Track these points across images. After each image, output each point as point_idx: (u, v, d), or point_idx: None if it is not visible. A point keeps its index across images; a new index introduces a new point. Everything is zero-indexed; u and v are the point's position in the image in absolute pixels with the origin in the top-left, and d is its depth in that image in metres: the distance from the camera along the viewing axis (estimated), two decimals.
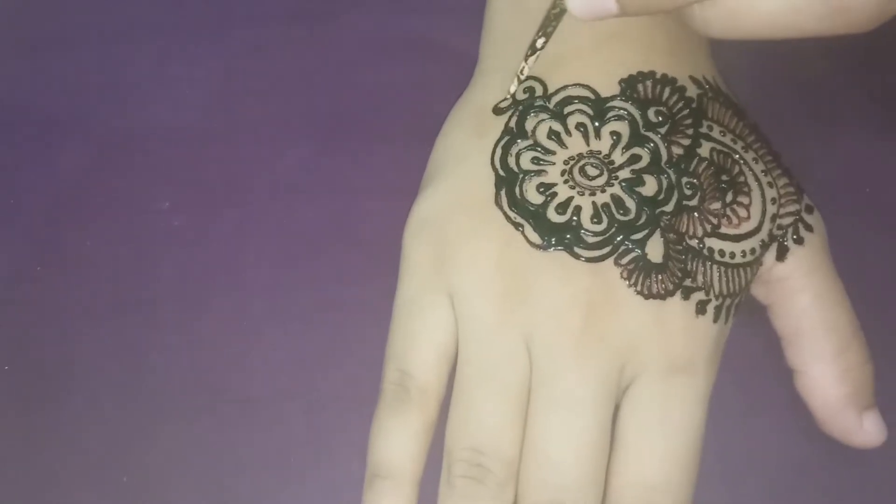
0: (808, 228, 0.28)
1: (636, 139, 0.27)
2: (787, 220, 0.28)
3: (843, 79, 0.33)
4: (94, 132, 0.33)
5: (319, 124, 0.33)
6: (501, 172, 0.27)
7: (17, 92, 0.34)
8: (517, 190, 0.27)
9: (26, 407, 0.30)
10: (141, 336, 0.30)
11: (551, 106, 0.27)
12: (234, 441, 0.29)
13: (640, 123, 0.27)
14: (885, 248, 0.31)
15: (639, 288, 0.26)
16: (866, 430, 0.27)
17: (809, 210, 0.28)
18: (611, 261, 0.26)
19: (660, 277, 0.26)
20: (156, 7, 0.35)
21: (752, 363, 0.29)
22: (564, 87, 0.28)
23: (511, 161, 0.27)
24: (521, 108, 0.28)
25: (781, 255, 0.27)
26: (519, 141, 0.27)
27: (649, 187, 0.26)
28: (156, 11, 0.35)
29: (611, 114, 0.27)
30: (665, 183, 0.26)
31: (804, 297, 0.28)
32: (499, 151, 0.27)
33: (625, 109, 0.27)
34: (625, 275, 0.26)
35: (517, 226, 0.26)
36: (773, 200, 0.27)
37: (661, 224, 0.26)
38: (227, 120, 0.33)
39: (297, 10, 0.35)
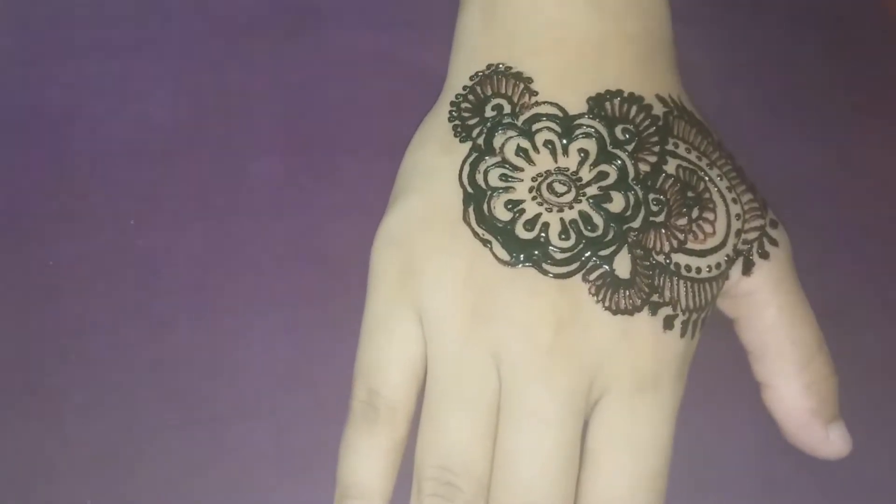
0: (773, 243, 0.28)
1: (603, 156, 0.27)
2: (752, 235, 0.28)
3: (806, 91, 0.34)
4: (56, 149, 0.33)
5: (286, 140, 0.33)
6: (469, 189, 0.27)
7: None
8: (485, 206, 0.27)
9: None
10: (105, 356, 0.30)
11: (519, 123, 0.28)
12: (201, 461, 0.29)
13: (608, 141, 0.27)
14: (845, 260, 0.31)
15: (607, 303, 0.26)
16: (832, 442, 0.28)
17: (774, 225, 0.28)
18: (578, 277, 0.26)
19: (627, 293, 0.26)
20: (120, 22, 0.35)
21: (719, 376, 0.29)
22: (533, 105, 0.28)
23: (479, 178, 0.27)
24: (489, 125, 0.28)
25: (747, 269, 0.28)
26: (487, 158, 0.27)
27: (616, 204, 0.27)
28: (120, 26, 0.35)
29: (578, 131, 0.27)
30: (632, 199, 0.27)
31: (770, 311, 0.28)
32: (467, 168, 0.27)
33: (592, 127, 0.27)
34: (593, 290, 0.26)
35: (485, 242, 0.26)
36: (738, 216, 0.28)
37: (629, 240, 0.26)
38: (193, 136, 0.33)
39: (263, 25, 0.34)
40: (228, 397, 0.30)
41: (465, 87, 0.29)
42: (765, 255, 0.28)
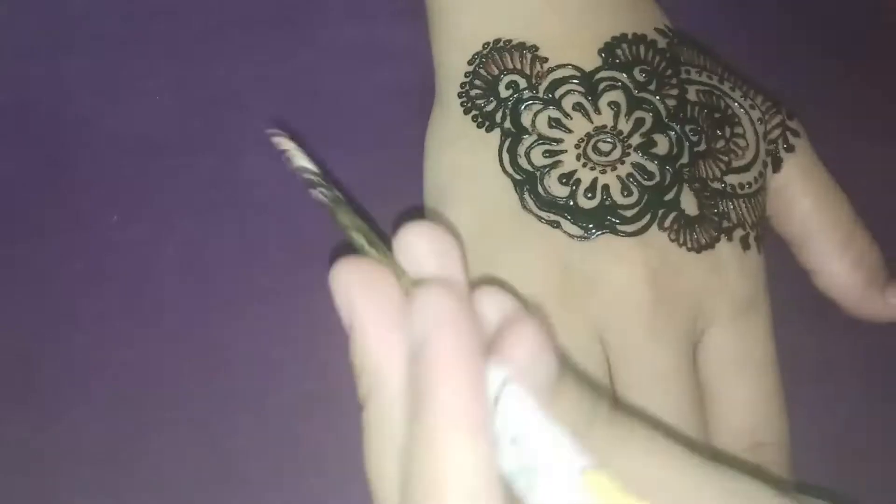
0: (795, 134, 0.29)
1: (634, 103, 0.27)
2: (776, 133, 0.29)
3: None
4: (40, 143, 0.32)
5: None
6: (517, 176, 0.26)
7: None
8: (540, 188, 0.26)
9: None
10: (91, 353, 0.29)
11: (541, 94, 0.27)
12: (191, 458, 0.29)
13: (632, 87, 0.27)
14: None
15: (690, 244, 0.26)
16: (892, 304, 0.30)
17: (790, 116, 0.29)
18: (654, 228, 0.26)
19: (702, 228, 0.26)
20: (107, 16, 0.33)
21: None
22: (547, 72, 0.27)
23: (522, 161, 0.26)
24: (510, 105, 0.27)
25: (777, 166, 0.29)
26: (523, 138, 0.26)
27: (662, 146, 0.27)
28: (107, 20, 0.33)
29: (602, 86, 0.27)
30: (674, 137, 0.27)
31: (805, 200, 0.29)
32: (506, 156, 0.26)
33: (614, 78, 0.27)
34: (672, 236, 0.26)
35: (553, 223, 0.26)
36: (759, 120, 0.28)
37: (685, 177, 0.26)
38: (181, 130, 0.32)
39: (255, 18, 0.33)
40: (218, 392, 0.29)
41: (467, 74, 0.28)
42: (791, 149, 0.29)
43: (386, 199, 0.31)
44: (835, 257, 0.29)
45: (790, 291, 0.28)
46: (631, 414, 0.21)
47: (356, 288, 0.19)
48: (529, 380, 0.18)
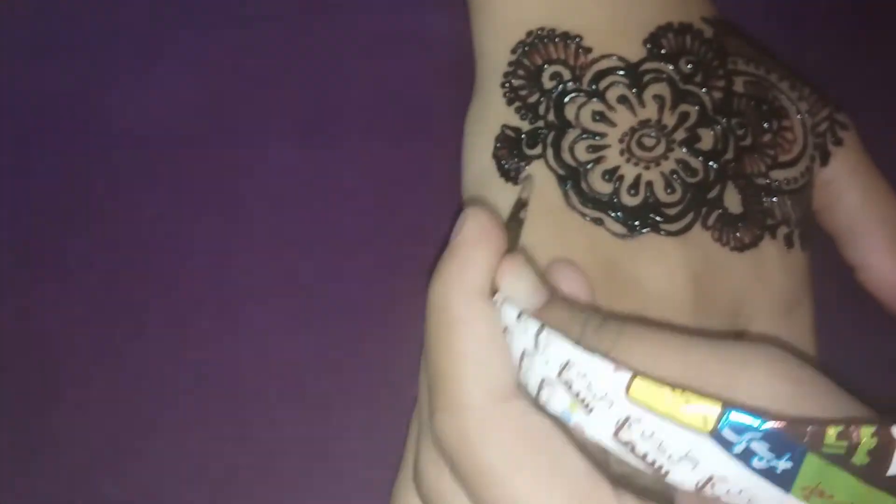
0: (844, 127, 0.28)
1: (679, 96, 0.26)
2: (824, 126, 0.28)
3: None
4: (72, 140, 0.32)
5: (306, 123, 0.32)
6: (560, 171, 0.26)
7: None
8: (583, 184, 0.26)
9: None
10: (129, 345, 0.30)
11: (585, 86, 0.26)
12: (202, 458, 0.29)
13: (677, 79, 0.26)
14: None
15: (733, 244, 0.25)
16: None
17: (838, 108, 0.28)
18: (697, 226, 0.25)
19: (747, 226, 0.26)
20: (133, 10, 0.33)
21: None
22: (591, 63, 0.26)
23: (566, 156, 0.26)
24: (554, 96, 0.26)
25: (825, 160, 0.28)
26: (568, 132, 0.26)
27: (706, 141, 0.26)
28: (133, 14, 0.33)
29: (647, 77, 0.26)
30: (719, 131, 0.26)
31: (852, 195, 0.28)
32: (550, 150, 0.26)
33: (658, 70, 0.26)
34: (716, 236, 0.25)
35: (596, 221, 0.25)
36: (808, 112, 0.28)
37: (729, 173, 0.26)
38: (211, 123, 0.32)
39: (280, 9, 0.32)
40: (253, 383, 0.30)
41: (510, 63, 0.27)
42: (839, 142, 0.28)
43: (423, 190, 0.30)
44: (881, 253, 0.28)
45: (834, 289, 0.28)
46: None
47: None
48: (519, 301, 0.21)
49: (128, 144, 0.31)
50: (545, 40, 0.27)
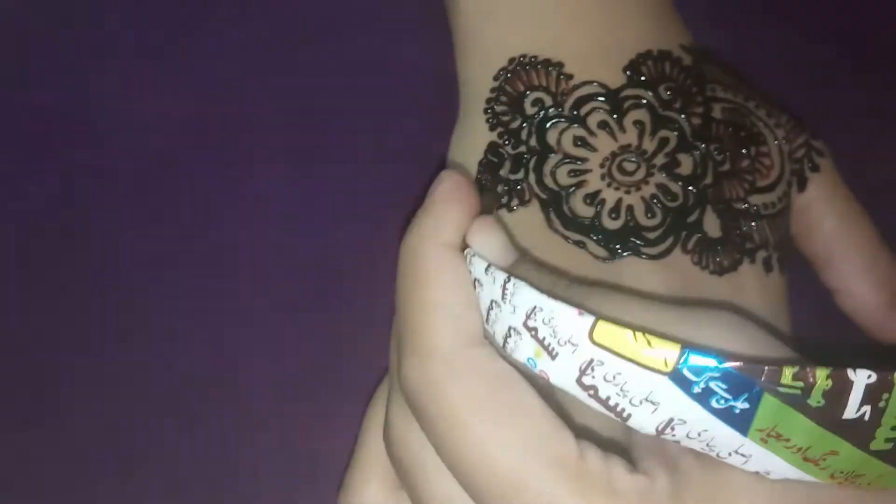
0: (820, 154, 0.29)
1: (659, 122, 0.27)
2: (801, 152, 0.28)
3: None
4: (59, 154, 0.33)
5: (293, 148, 0.33)
6: (542, 195, 0.26)
7: None
8: (565, 208, 0.26)
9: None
10: (118, 373, 0.30)
11: (566, 112, 0.27)
12: (204, 467, 0.29)
13: (657, 105, 0.27)
14: None
15: (712, 268, 0.26)
16: None
17: (815, 136, 0.29)
18: (677, 250, 0.26)
19: (725, 250, 0.26)
20: (123, 32, 0.34)
21: None
22: (572, 90, 0.27)
23: (548, 181, 0.26)
24: (536, 122, 0.27)
25: (802, 185, 0.28)
26: (549, 157, 0.26)
27: (686, 166, 0.26)
28: (123, 37, 0.34)
29: (627, 104, 0.27)
30: (698, 157, 0.27)
31: (829, 220, 0.29)
32: (532, 175, 0.26)
33: (639, 96, 0.27)
34: (695, 259, 0.26)
35: (578, 244, 0.26)
36: (785, 139, 0.28)
37: (708, 198, 0.26)
38: (198, 146, 0.32)
39: (271, 34, 0.33)
40: (232, 404, 0.30)
41: (492, 90, 0.27)
42: (815, 168, 0.29)
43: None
44: (858, 278, 0.29)
45: (812, 311, 0.28)
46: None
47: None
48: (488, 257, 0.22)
49: (118, 163, 0.32)
50: (527, 67, 0.27)
